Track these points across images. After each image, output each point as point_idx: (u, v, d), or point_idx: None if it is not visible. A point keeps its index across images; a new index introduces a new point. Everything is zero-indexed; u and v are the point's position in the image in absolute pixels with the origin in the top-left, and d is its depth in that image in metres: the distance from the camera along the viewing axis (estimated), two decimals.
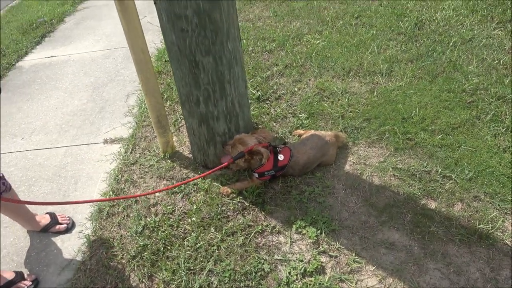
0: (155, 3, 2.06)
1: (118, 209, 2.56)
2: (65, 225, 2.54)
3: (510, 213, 2.15)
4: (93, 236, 2.43)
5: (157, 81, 2.58)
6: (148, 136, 3.20)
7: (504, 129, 2.68)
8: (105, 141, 3.31)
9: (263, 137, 2.33)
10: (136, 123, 3.41)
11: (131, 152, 3.06)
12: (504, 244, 2.01)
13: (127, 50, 4.80)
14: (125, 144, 3.18)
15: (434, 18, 4.23)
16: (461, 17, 4.16)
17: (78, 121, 3.61)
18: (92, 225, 2.52)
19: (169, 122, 3.13)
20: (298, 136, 2.85)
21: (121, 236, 2.37)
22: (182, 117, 3.27)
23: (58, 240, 2.48)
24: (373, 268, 2.00)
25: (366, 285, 1.94)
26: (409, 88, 3.20)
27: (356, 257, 2.04)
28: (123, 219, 2.48)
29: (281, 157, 2.32)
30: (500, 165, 2.40)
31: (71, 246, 2.43)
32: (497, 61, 3.39)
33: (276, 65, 3.78)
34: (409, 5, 4.60)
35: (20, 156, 3.27)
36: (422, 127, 2.77)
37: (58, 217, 2.57)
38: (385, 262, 2.01)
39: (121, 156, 3.05)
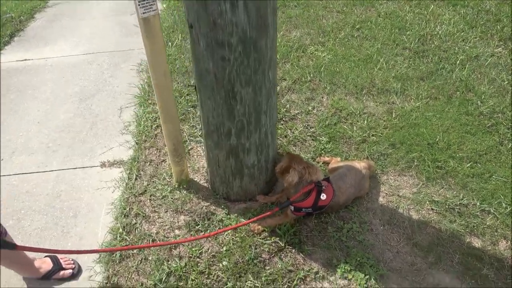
0: (191, 27, 1.80)
1: (132, 250, 2.27)
2: (70, 270, 2.22)
3: None
4: (107, 284, 2.13)
5: (176, 106, 2.30)
6: (153, 160, 2.90)
7: None
8: (103, 164, 2.97)
9: (309, 172, 2.13)
10: (136, 143, 3.09)
11: (136, 179, 2.75)
12: None
13: (112, 56, 4.42)
14: (127, 169, 2.86)
15: (435, 32, 4.21)
16: (462, 33, 4.16)
17: (67, 139, 3.23)
18: (102, 269, 2.21)
19: None
20: (323, 163, 2.68)
21: (142, 285, 2.09)
22: (191, 138, 3.00)
23: None
24: None
25: None
26: (427, 110, 3.12)
27: None
28: (140, 263, 2.20)
29: (323, 196, 2.14)
30: None
31: None
32: (506, 82, 3.40)
33: (284, 79, 3.59)
34: (407, 17, 4.56)
35: (3, 181, 2.86)
36: (449, 154, 2.70)
37: (61, 261, 2.24)
38: None
39: (125, 184, 2.74)
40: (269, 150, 2.30)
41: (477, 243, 2.18)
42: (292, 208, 2.20)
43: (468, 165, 2.62)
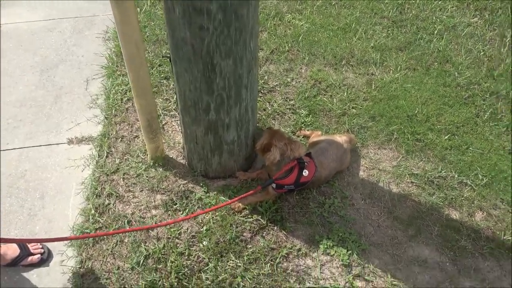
0: None
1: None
2: (39, 255, 2.09)
3: None
4: (81, 268, 2.03)
5: (150, 79, 2.14)
6: (125, 135, 2.74)
7: (504, 129, 2.71)
8: (70, 141, 2.78)
9: (291, 148, 2.06)
10: (106, 117, 2.91)
11: (107, 157, 2.60)
12: None
13: (75, 22, 4.08)
14: (96, 146, 2.69)
15: (413, 1, 4.13)
16: (439, 1, 4.11)
17: (29, 114, 2.99)
18: (75, 254, 2.10)
19: None
20: (303, 137, 2.62)
21: (119, 268, 2.00)
22: (165, 113, 2.85)
23: (33, 276, 2.05)
24: None
25: None
26: (406, 81, 3.09)
27: (393, 279, 1.93)
28: (116, 246, 2.10)
29: (305, 172, 2.09)
30: (510, 169, 2.42)
31: (52, 282, 2.01)
32: (482, 53, 3.41)
33: (261, 49, 3.44)
34: None
35: None
36: (428, 126, 2.70)
37: (29, 246, 2.11)
38: (421, 283, 1.93)
39: (95, 161, 2.58)
40: (249, 126, 2.20)
41: (455, 215, 2.21)
42: (274, 185, 2.15)
43: (446, 137, 2.63)
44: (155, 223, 2.16)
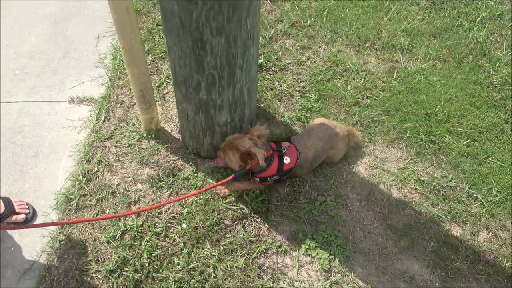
0: None
1: (91, 200, 2.14)
2: (24, 215, 2.09)
3: None
4: (60, 234, 2.02)
5: (143, 47, 2.01)
6: (125, 101, 2.66)
7: None
8: (71, 100, 2.73)
9: (257, 137, 1.92)
10: (110, 79, 2.82)
11: (104, 121, 2.54)
12: None
13: None
14: (96, 108, 2.63)
15: None
16: None
17: (37, 67, 2.95)
18: (57, 218, 2.10)
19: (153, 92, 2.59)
20: None
21: (95, 240, 1.98)
22: (169, 81, 2.73)
23: (16, 234, 2.07)
24: None
25: None
26: (433, 74, 2.80)
27: None
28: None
29: (286, 159, 1.95)
30: None
31: (32, 243, 2.03)
32: None
33: (280, 21, 3.20)
34: None
35: None
36: (447, 128, 2.45)
37: (15, 204, 2.11)
38: None
39: (92, 125, 2.53)
40: (244, 109, 2.05)
41: (456, 231, 2.03)
42: (258, 179, 2.03)
43: (465, 142, 2.39)
44: (138, 198, 2.10)
